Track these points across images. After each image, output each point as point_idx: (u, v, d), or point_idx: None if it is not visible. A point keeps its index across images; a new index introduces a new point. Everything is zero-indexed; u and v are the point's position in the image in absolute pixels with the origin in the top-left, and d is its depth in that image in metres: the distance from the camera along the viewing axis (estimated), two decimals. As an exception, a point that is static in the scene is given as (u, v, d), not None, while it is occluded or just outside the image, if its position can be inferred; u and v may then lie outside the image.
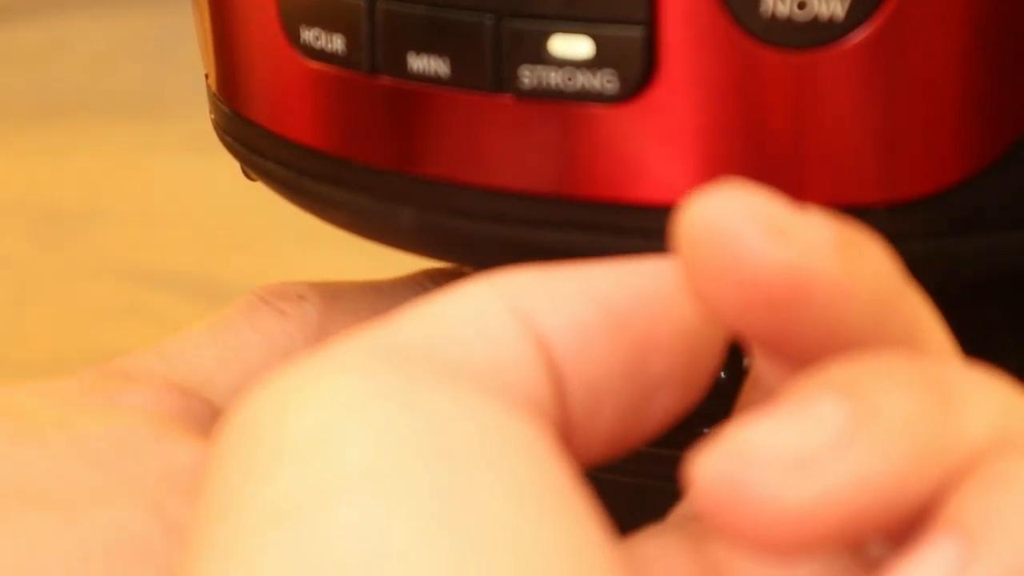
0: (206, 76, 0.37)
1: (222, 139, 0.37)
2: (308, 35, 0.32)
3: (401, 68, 0.31)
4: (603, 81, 0.29)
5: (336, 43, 0.32)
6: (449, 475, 0.21)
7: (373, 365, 0.22)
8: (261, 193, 0.37)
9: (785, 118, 0.29)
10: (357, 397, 0.22)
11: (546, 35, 0.30)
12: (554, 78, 0.30)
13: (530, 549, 0.21)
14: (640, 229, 0.30)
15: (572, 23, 0.29)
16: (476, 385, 0.23)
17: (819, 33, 0.29)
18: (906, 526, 0.22)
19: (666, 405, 0.25)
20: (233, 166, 0.37)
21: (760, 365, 0.25)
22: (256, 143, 0.35)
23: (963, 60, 0.29)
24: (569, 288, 0.24)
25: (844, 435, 0.21)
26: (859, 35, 0.29)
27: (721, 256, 0.22)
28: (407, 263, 0.37)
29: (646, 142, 0.30)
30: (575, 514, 0.21)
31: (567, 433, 0.24)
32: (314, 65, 0.33)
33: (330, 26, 0.32)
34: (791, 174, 0.30)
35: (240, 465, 0.22)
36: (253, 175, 0.36)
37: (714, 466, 0.21)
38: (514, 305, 0.24)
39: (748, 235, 0.22)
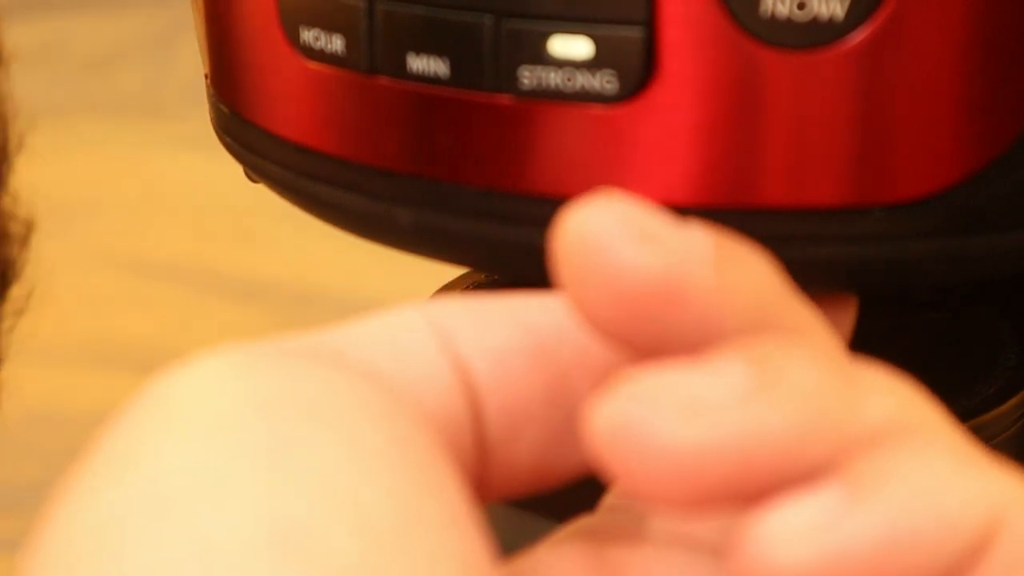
0: (206, 76, 0.37)
1: (221, 139, 0.37)
2: (307, 35, 0.32)
3: (400, 68, 0.31)
4: (603, 81, 0.29)
5: (335, 43, 0.32)
6: (287, 426, 0.21)
7: (256, 350, 0.23)
8: (260, 188, 0.37)
9: (785, 118, 0.29)
10: (227, 369, 0.23)
11: (546, 35, 0.30)
12: (554, 78, 0.30)
13: (362, 501, 0.21)
14: (640, 229, 0.30)
15: (572, 23, 0.29)
16: (372, 382, 0.23)
17: (819, 33, 0.29)
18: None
19: None
20: (232, 162, 0.37)
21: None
22: (255, 143, 0.35)
23: (962, 60, 0.29)
24: (494, 314, 0.25)
25: (744, 390, 0.22)
26: (859, 35, 0.29)
27: (594, 264, 0.23)
28: (407, 263, 0.37)
29: (645, 142, 0.30)
30: (439, 495, 0.22)
31: (485, 456, 0.24)
32: (313, 65, 0.33)
33: (329, 26, 0.32)
34: (791, 174, 0.30)
35: (118, 424, 0.23)
36: (255, 177, 0.36)
37: (610, 408, 0.21)
38: (436, 325, 0.24)
39: (620, 243, 0.22)
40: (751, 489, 0.21)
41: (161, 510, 0.21)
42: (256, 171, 0.36)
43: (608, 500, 0.27)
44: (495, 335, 0.25)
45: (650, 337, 0.23)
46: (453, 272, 0.44)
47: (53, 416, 0.74)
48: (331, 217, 0.35)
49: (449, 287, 0.43)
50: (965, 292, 0.43)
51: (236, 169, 0.38)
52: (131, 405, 0.23)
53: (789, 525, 0.21)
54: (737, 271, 0.23)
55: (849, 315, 0.32)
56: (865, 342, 0.41)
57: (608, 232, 0.22)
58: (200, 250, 0.90)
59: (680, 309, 0.23)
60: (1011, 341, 0.40)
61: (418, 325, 0.24)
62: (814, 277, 0.31)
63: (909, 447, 0.22)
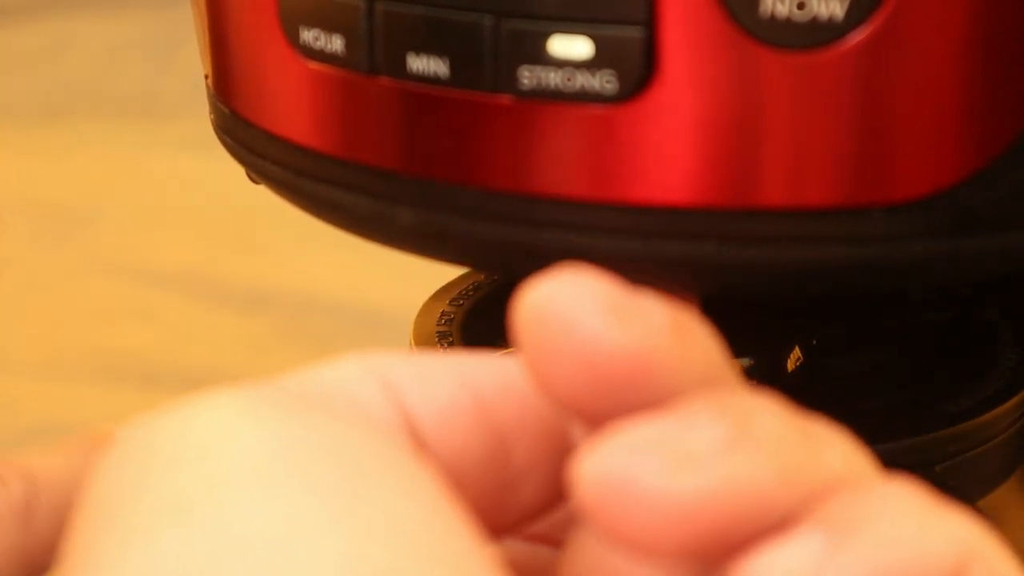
0: (206, 76, 0.37)
1: (222, 140, 0.37)
2: (307, 36, 0.32)
3: (400, 69, 0.31)
4: (602, 81, 0.29)
5: (335, 44, 0.32)
6: (337, 471, 0.22)
7: (249, 393, 0.23)
8: (262, 193, 0.37)
9: (784, 118, 0.29)
10: (242, 412, 0.23)
11: (545, 35, 0.30)
12: (553, 78, 0.30)
13: (423, 540, 0.21)
14: (639, 230, 0.30)
15: (571, 23, 0.29)
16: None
17: (818, 33, 0.29)
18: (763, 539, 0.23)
19: (529, 497, 0.25)
20: (234, 165, 0.37)
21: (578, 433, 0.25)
22: (256, 144, 0.35)
23: (962, 60, 0.29)
24: (439, 371, 0.25)
25: (726, 440, 0.22)
26: (858, 35, 0.29)
27: (562, 338, 0.23)
28: (408, 263, 0.37)
29: (645, 142, 0.30)
30: (451, 512, 0.22)
31: None
32: (313, 66, 0.33)
33: (329, 27, 0.32)
34: (790, 174, 0.30)
35: (128, 476, 0.22)
36: (257, 179, 0.36)
37: (600, 458, 0.22)
38: (383, 379, 0.24)
39: (589, 318, 0.23)
40: (733, 537, 0.22)
41: (250, 559, 0.20)
42: (256, 171, 0.36)
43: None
44: (440, 392, 0.25)
45: (607, 406, 0.23)
46: (453, 272, 0.44)
47: (52, 429, 0.73)
48: (331, 217, 0.35)
49: (449, 287, 0.44)
50: (965, 292, 0.43)
51: (237, 170, 0.38)
52: (129, 456, 0.23)
53: (778, 571, 0.22)
54: (691, 342, 0.24)
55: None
56: (865, 342, 0.41)
57: (577, 306, 0.23)
58: (200, 255, 0.90)
59: (645, 379, 0.23)
60: (1011, 341, 0.40)
61: (366, 378, 0.24)
62: (814, 277, 0.32)
63: (875, 491, 0.23)
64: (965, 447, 0.37)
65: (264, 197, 0.38)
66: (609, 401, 0.23)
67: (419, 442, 0.24)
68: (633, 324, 0.23)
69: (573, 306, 0.23)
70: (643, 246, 0.31)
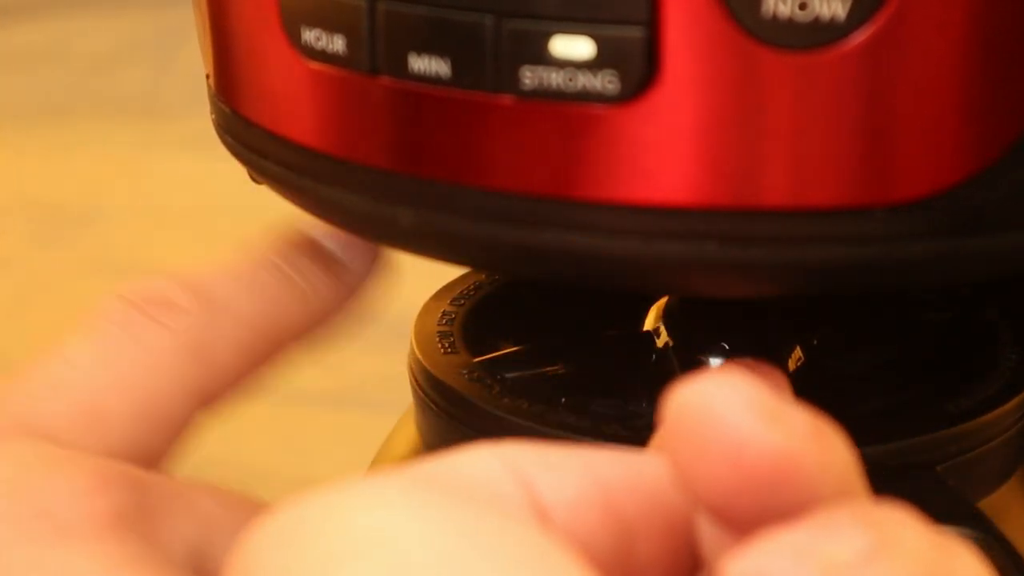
0: (207, 76, 0.37)
1: (223, 139, 0.37)
2: (309, 35, 0.32)
3: (402, 69, 0.31)
4: (604, 82, 0.29)
5: (337, 43, 0.32)
6: (497, 566, 0.22)
7: (402, 480, 0.24)
8: (261, 192, 0.37)
9: (786, 119, 0.29)
10: (404, 502, 0.23)
11: (547, 35, 0.30)
12: (555, 79, 0.30)
13: None
14: (640, 230, 0.30)
15: (573, 23, 0.29)
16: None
17: (820, 34, 0.29)
18: None
19: None
20: (234, 165, 0.37)
21: (705, 531, 0.26)
22: (256, 143, 0.35)
23: (963, 60, 0.29)
24: (568, 462, 0.25)
25: (871, 551, 0.23)
26: (860, 36, 0.29)
27: (714, 436, 0.23)
28: (408, 263, 0.37)
29: (647, 142, 0.30)
30: None
31: None
32: (315, 65, 0.33)
33: (331, 26, 0.32)
34: (792, 175, 0.30)
35: (287, 569, 0.22)
36: (259, 179, 0.36)
37: (753, 564, 0.22)
38: (514, 469, 0.25)
39: (742, 418, 0.23)
40: None
41: None
42: (258, 171, 0.36)
43: None
44: (571, 485, 0.25)
45: (748, 506, 0.24)
46: (453, 272, 0.44)
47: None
48: (332, 217, 0.35)
49: (449, 287, 0.44)
50: (965, 292, 0.43)
51: (237, 170, 0.38)
52: (291, 544, 0.23)
53: None
54: (830, 446, 0.24)
55: None
56: (866, 342, 0.41)
57: (730, 406, 0.23)
58: (200, 255, 0.90)
59: (787, 482, 0.24)
60: (1011, 341, 0.40)
61: (498, 467, 0.25)
62: (815, 278, 0.32)
63: None
64: (965, 447, 0.37)
65: (263, 196, 0.38)
66: (751, 502, 0.24)
67: (553, 530, 0.25)
68: (781, 427, 0.24)
69: (727, 406, 0.23)
70: (644, 246, 0.31)
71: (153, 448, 0.32)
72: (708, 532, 0.25)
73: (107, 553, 0.28)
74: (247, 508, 0.31)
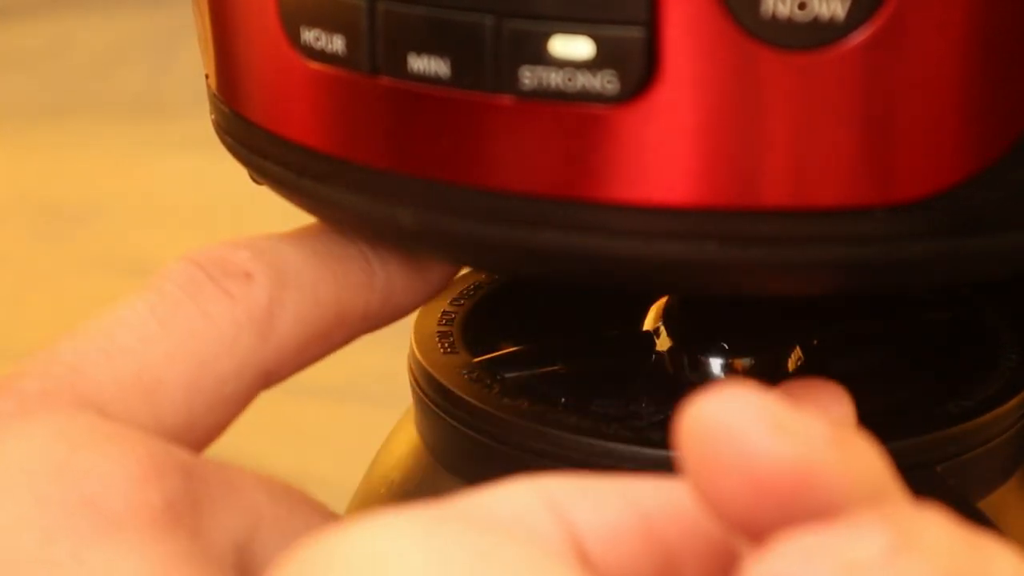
0: (206, 76, 0.37)
1: (222, 139, 0.37)
2: (308, 36, 0.32)
3: (401, 68, 0.31)
4: (603, 82, 0.29)
5: (336, 44, 0.32)
6: None
7: (433, 517, 0.24)
8: (261, 191, 0.37)
9: (785, 119, 0.29)
10: (434, 544, 0.23)
11: (546, 35, 0.30)
12: (554, 79, 0.30)
13: None
14: (640, 230, 0.30)
15: (573, 23, 0.29)
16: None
17: (819, 34, 0.29)
18: None
19: None
20: (234, 165, 0.37)
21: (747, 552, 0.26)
22: (256, 143, 0.35)
23: (963, 60, 0.29)
24: (606, 492, 0.25)
25: (892, 549, 0.23)
26: (860, 36, 0.29)
27: (728, 453, 0.23)
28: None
29: (647, 142, 0.30)
30: None
31: None
32: (314, 66, 0.33)
33: (330, 27, 0.32)
34: (792, 175, 0.30)
35: None
36: (259, 179, 0.36)
37: (769, 567, 0.22)
38: (551, 501, 0.25)
39: (754, 432, 0.23)
40: None
41: None
42: (258, 171, 0.36)
43: None
44: (609, 513, 0.25)
45: (772, 519, 0.24)
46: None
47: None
48: (331, 216, 0.35)
49: (449, 287, 0.44)
50: (965, 292, 0.43)
51: (237, 170, 0.38)
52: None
53: None
54: (853, 452, 0.24)
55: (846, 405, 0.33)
56: (866, 342, 0.41)
57: (742, 420, 0.23)
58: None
59: (808, 492, 0.24)
60: (1011, 341, 0.40)
61: (534, 500, 0.25)
62: (815, 278, 0.32)
63: None
64: (965, 447, 0.37)
65: (262, 194, 0.38)
66: (774, 515, 0.24)
67: (588, 565, 0.24)
68: (796, 438, 0.23)
69: (738, 421, 0.23)
70: (644, 246, 0.31)
71: (206, 426, 0.31)
72: (748, 554, 0.25)
73: (154, 554, 0.26)
74: (293, 499, 0.30)
